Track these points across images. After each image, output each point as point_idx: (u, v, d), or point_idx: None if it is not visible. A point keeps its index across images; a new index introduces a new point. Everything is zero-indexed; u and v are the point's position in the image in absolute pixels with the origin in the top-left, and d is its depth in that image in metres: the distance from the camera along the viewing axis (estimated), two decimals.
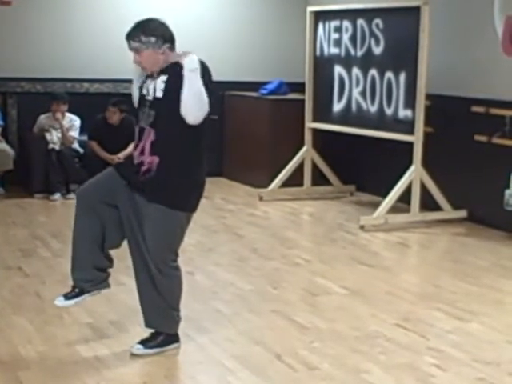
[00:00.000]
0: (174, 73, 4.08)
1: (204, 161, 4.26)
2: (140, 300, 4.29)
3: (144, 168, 4.12)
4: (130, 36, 4.12)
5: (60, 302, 4.27)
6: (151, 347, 4.23)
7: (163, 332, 4.28)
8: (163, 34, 4.13)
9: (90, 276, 4.24)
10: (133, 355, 4.20)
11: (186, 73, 4.02)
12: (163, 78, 4.12)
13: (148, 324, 4.30)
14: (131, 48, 4.14)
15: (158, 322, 4.28)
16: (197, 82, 4.02)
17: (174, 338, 4.32)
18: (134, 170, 4.15)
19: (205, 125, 4.13)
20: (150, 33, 4.10)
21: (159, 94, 4.11)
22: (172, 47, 4.17)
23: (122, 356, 4.21)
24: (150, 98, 4.15)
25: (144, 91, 4.20)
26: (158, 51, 4.11)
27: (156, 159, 4.10)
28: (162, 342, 4.27)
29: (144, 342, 4.25)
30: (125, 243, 4.32)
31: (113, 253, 4.30)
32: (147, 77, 4.23)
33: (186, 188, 4.16)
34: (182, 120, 4.06)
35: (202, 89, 4.03)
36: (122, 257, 4.49)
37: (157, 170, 4.09)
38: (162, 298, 4.20)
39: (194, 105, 4.03)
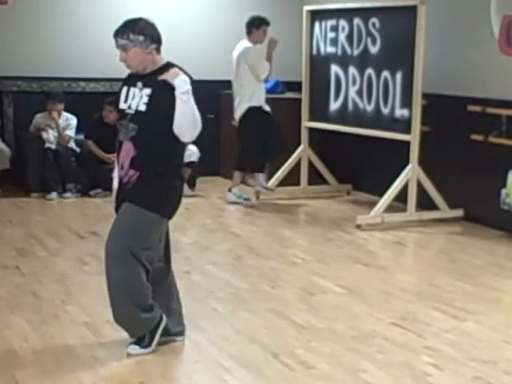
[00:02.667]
0: (160, 89, 4.07)
1: (182, 172, 4.30)
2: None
3: (123, 181, 4.15)
4: (119, 33, 4.12)
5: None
6: (147, 345, 4.22)
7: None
8: (152, 33, 4.13)
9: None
10: (129, 354, 4.20)
11: (179, 95, 4.02)
12: (147, 91, 4.10)
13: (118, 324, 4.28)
14: (118, 45, 4.12)
15: (126, 326, 4.25)
16: (190, 103, 4.04)
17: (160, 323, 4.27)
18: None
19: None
20: (139, 31, 4.09)
21: (142, 108, 4.10)
22: (158, 49, 4.17)
23: (118, 355, 4.20)
24: (131, 111, 4.13)
25: (123, 105, 4.18)
26: (145, 50, 4.10)
27: (136, 173, 4.10)
28: (155, 335, 4.24)
29: (139, 342, 4.24)
30: None
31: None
32: (126, 85, 4.21)
33: (163, 194, 4.14)
34: (164, 134, 4.07)
35: (196, 108, 4.06)
36: None
37: (136, 181, 4.10)
38: (128, 298, 4.11)
39: (189, 125, 4.07)
